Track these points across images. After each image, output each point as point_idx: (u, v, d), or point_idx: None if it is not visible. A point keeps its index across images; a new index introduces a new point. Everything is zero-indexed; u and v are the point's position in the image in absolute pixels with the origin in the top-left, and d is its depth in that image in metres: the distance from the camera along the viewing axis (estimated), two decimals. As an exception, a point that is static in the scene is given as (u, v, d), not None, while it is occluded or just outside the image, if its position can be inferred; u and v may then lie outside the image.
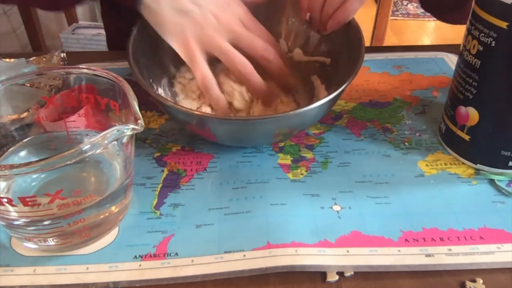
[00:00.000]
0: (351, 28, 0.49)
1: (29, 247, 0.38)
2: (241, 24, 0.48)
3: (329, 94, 0.41)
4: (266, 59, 0.47)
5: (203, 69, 0.46)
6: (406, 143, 0.49)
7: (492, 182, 0.44)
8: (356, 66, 0.44)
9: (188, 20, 0.46)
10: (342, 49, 0.51)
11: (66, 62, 0.61)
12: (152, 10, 0.46)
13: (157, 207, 0.42)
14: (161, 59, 0.51)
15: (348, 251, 0.37)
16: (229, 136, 0.46)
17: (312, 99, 0.52)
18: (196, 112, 0.43)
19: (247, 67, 0.46)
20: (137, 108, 0.35)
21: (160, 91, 0.50)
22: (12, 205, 0.33)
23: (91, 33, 1.75)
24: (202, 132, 0.46)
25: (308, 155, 0.47)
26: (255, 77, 0.46)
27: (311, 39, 0.55)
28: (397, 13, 2.56)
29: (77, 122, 0.42)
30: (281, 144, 0.49)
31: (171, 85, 0.52)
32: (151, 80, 0.48)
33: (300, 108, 0.41)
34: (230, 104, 0.48)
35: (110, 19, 0.77)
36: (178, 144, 0.49)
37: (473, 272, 0.36)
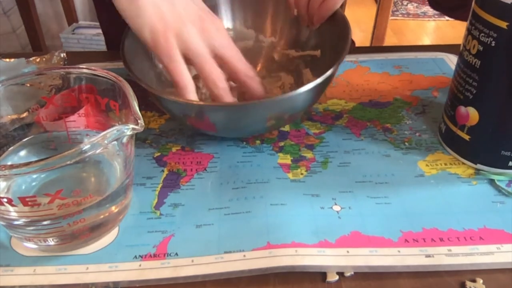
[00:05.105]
0: (337, 19, 0.50)
1: (29, 247, 0.38)
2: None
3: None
4: (248, 86, 0.45)
5: (183, 73, 0.41)
6: (406, 143, 0.49)
7: (492, 182, 0.44)
8: (343, 53, 0.44)
9: (171, 10, 0.40)
10: (330, 40, 0.51)
11: (66, 62, 0.61)
12: None
13: (157, 207, 0.42)
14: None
15: (348, 251, 0.37)
16: (225, 123, 0.45)
17: None
18: (193, 102, 0.42)
19: (222, 83, 0.42)
20: (137, 108, 0.35)
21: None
22: (12, 205, 0.33)
23: (91, 33, 1.75)
24: (199, 122, 0.46)
25: (308, 154, 0.47)
26: (228, 98, 0.43)
27: (302, 34, 0.56)
28: (397, 13, 2.56)
29: (77, 122, 0.42)
30: (281, 144, 0.49)
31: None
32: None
33: (289, 92, 0.41)
34: None
35: (106, 20, 0.77)
36: (178, 144, 0.49)
37: (473, 272, 0.36)
